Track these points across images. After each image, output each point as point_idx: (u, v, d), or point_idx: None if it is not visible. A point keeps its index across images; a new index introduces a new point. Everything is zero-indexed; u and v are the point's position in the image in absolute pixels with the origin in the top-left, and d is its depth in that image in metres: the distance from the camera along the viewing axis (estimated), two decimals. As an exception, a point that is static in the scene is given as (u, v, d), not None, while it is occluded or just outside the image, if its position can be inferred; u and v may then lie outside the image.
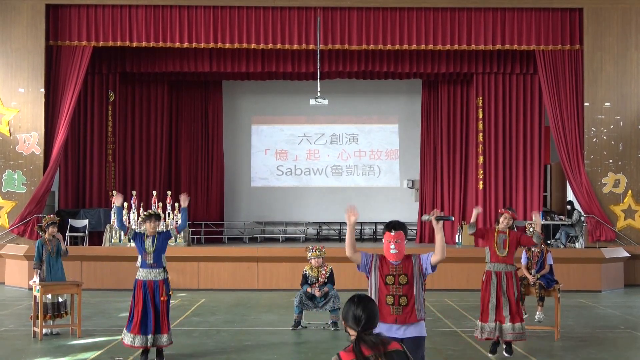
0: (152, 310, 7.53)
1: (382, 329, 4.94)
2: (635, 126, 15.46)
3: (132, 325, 7.55)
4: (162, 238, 7.72)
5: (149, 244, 7.61)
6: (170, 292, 7.77)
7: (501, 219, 7.91)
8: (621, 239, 15.10)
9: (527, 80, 17.18)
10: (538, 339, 8.83)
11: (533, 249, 9.72)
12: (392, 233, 4.98)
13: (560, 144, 15.48)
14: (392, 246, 4.95)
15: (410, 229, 19.52)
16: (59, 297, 9.31)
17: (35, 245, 9.39)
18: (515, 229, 8.07)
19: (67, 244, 14.76)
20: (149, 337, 7.51)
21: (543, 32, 15.47)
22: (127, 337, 7.59)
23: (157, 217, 7.85)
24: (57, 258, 9.25)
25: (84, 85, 16.01)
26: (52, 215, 9.62)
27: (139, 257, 7.67)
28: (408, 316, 4.91)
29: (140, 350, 7.64)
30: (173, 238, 8.20)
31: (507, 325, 7.68)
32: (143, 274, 7.60)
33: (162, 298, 7.61)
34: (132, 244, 7.89)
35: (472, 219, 7.85)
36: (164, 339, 7.59)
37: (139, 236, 7.67)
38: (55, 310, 9.21)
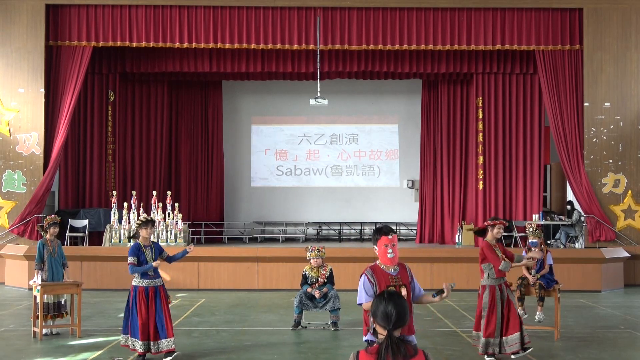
0: (152, 316, 7.52)
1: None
2: (635, 126, 15.47)
3: (131, 329, 7.55)
4: (158, 250, 7.70)
5: (149, 255, 7.58)
6: (168, 298, 7.75)
7: (498, 232, 7.76)
8: (621, 239, 15.10)
9: (527, 80, 17.18)
10: (538, 339, 8.82)
11: (533, 248, 9.71)
12: (390, 237, 4.97)
13: (560, 144, 15.48)
14: (390, 250, 4.94)
15: (411, 229, 19.54)
16: (61, 298, 9.31)
17: (36, 246, 9.39)
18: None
19: (66, 244, 14.83)
20: (151, 343, 7.51)
21: (543, 32, 15.47)
22: (127, 340, 7.61)
23: (153, 223, 7.79)
24: (57, 259, 9.24)
25: (84, 85, 16.01)
26: (53, 216, 9.61)
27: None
28: (405, 329, 4.86)
29: (136, 354, 7.63)
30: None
31: (511, 337, 7.57)
32: (143, 282, 7.59)
33: (168, 301, 7.64)
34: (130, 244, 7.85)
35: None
36: (171, 342, 7.57)
37: (140, 250, 7.61)
38: (56, 310, 9.21)
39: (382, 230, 5.02)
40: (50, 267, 9.14)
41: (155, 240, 7.87)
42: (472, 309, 11.20)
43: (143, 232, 7.62)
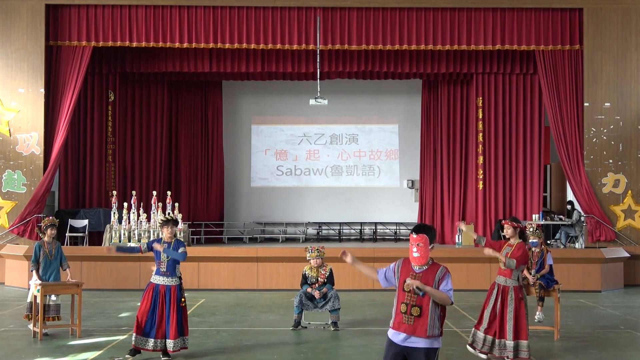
0: (161, 314, 7.53)
1: (390, 333, 4.90)
2: (635, 126, 15.47)
3: (135, 325, 7.56)
4: (176, 248, 7.70)
5: (164, 252, 7.62)
6: (183, 299, 7.76)
7: (506, 231, 7.96)
8: (621, 239, 15.10)
9: (527, 80, 17.19)
10: (538, 339, 8.83)
11: (533, 249, 9.72)
12: (415, 236, 5.01)
13: (560, 144, 15.48)
14: (415, 249, 4.98)
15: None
16: (50, 300, 9.21)
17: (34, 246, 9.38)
18: (523, 240, 7.93)
19: (66, 244, 14.83)
20: (155, 340, 7.51)
21: (543, 32, 15.47)
22: (134, 338, 7.60)
23: (174, 222, 7.83)
24: (54, 261, 9.21)
25: (84, 85, 16.01)
26: (50, 218, 9.59)
27: (155, 263, 7.72)
28: (417, 329, 4.81)
29: (132, 349, 7.64)
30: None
31: (497, 340, 7.63)
32: (157, 279, 7.65)
33: (182, 303, 7.65)
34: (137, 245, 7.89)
35: (474, 236, 7.89)
36: (171, 344, 7.58)
37: (157, 243, 7.68)
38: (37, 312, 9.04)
39: (414, 228, 5.09)
40: (45, 268, 9.11)
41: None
42: (472, 309, 11.21)
43: (164, 231, 7.78)
